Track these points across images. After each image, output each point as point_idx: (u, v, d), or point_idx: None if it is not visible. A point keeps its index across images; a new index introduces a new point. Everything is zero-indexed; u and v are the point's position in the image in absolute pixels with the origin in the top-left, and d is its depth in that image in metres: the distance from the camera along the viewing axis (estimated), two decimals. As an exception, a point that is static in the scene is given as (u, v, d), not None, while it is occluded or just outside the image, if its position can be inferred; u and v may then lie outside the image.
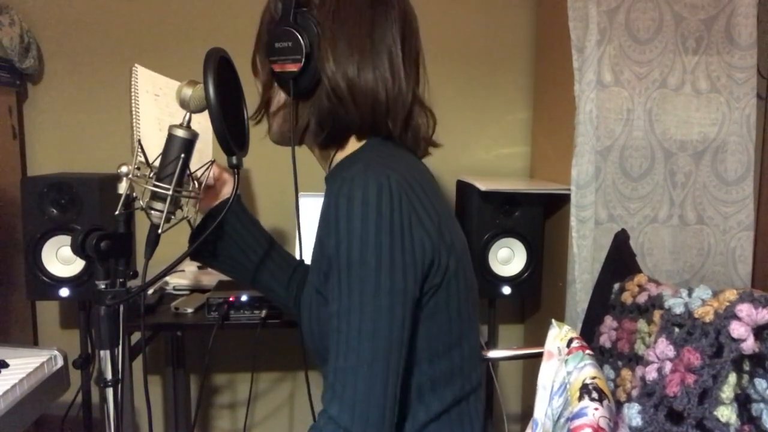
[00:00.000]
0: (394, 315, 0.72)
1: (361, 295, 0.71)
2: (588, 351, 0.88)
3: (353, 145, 0.88)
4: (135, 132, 1.02)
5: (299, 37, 0.81)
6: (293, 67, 0.82)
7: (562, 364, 0.87)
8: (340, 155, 0.89)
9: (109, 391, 0.83)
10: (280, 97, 0.89)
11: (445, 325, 0.80)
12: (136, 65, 1.05)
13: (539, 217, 1.72)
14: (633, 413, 0.88)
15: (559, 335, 0.93)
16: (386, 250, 0.71)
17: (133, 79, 1.04)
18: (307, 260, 1.01)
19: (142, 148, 0.92)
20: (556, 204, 1.76)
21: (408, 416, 0.82)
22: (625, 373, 1.05)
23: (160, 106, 1.07)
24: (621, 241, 1.27)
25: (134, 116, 1.02)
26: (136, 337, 1.68)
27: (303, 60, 0.81)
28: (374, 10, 0.84)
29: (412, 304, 0.74)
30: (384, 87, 0.83)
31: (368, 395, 0.71)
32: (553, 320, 0.95)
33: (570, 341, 0.90)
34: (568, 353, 0.88)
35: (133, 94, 1.04)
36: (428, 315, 0.79)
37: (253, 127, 0.97)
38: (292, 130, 0.87)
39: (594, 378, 0.80)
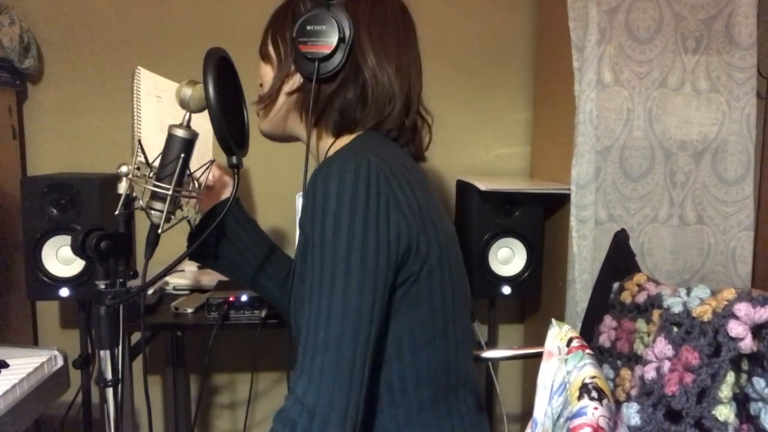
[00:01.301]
0: (364, 292, 0.71)
1: (333, 272, 0.71)
2: (588, 350, 0.88)
3: (348, 138, 0.90)
4: (136, 134, 1.02)
5: (335, 21, 0.83)
6: (325, 49, 0.84)
7: (562, 364, 0.87)
8: (335, 146, 0.91)
9: (109, 391, 0.83)
10: (294, 80, 0.90)
11: (428, 316, 0.80)
12: (139, 67, 1.05)
13: (539, 217, 1.72)
14: (631, 412, 0.88)
15: (559, 335, 0.93)
16: (359, 228, 0.71)
17: (135, 81, 1.04)
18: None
19: (142, 147, 0.92)
20: (556, 204, 1.76)
21: (393, 407, 0.81)
22: (624, 372, 1.05)
23: (162, 108, 1.08)
24: (620, 240, 1.27)
25: (136, 118, 1.02)
26: (136, 337, 1.68)
27: (336, 43, 0.83)
28: (404, 16, 0.92)
29: (384, 284, 0.74)
30: (410, 87, 0.90)
31: (335, 373, 0.70)
32: (553, 320, 0.95)
33: (570, 341, 0.90)
34: (568, 352, 0.88)
35: (135, 96, 1.04)
36: (409, 305, 0.79)
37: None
38: (310, 112, 0.88)
39: (594, 377, 0.80)
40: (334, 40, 0.83)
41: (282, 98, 0.91)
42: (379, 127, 0.89)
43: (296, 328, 0.86)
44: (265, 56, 0.93)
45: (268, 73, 0.92)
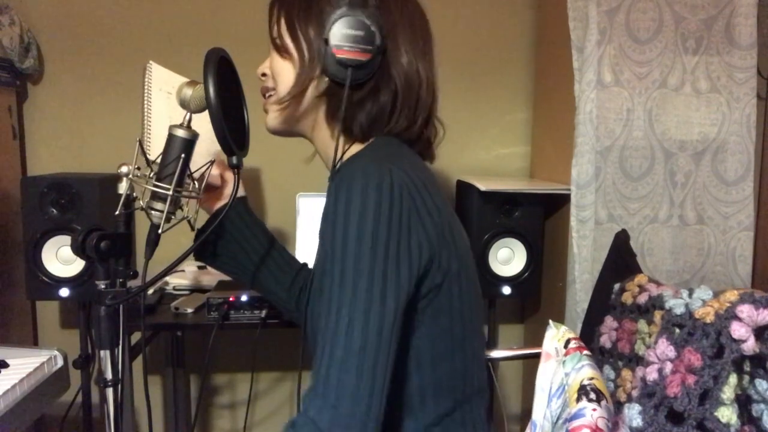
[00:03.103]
0: (385, 309, 0.69)
1: (354, 288, 0.68)
2: (585, 352, 0.88)
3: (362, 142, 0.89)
4: (146, 129, 1.02)
5: (372, 26, 0.80)
6: (362, 56, 0.80)
7: (560, 365, 0.87)
8: (350, 152, 0.89)
9: (109, 391, 0.83)
10: (321, 82, 0.85)
11: (447, 327, 0.79)
12: (150, 62, 1.04)
13: (539, 217, 1.72)
14: (633, 414, 0.88)
15: (556, 336, 0.93)
16: (382, 244, 0.69)
17: (146, 75, 1.03)
18: (308, 260, 1.00)
19: (142, 148, 0.92)
20: (556, 204, 1.76)
21: (411, 420, 0.81)
22: (626, 373, 1.05)
23: (171, 104, 1.07)
24: (621, 241, 1.27)
25: (146, 113, 1.02)
26: (136, 337, 1.68)
27: (373, 51, 0.80)
28: (424, 18, 0.91)
29: (405, 300, 0.72)
30: (434, 95, 0.90)
31: (353, 392, 0.66)
32: (550, 321, 0.95)
33: (567, 342, 0.90)
34: (566, 354, 0.88)
35: (146, 91, 1.03)
36: (431, 316, 0.78)
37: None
38: (341, 120, 0.84)
39: (592, 379, 0.80)
40: (371, 47, 0.80)
41: (305, 101, 0.87)
42: (402, 135, 0.87)
43: (314, 341, 0.84)
44: (281, 49, 0.86)
45: (285, 69, 0.87)
